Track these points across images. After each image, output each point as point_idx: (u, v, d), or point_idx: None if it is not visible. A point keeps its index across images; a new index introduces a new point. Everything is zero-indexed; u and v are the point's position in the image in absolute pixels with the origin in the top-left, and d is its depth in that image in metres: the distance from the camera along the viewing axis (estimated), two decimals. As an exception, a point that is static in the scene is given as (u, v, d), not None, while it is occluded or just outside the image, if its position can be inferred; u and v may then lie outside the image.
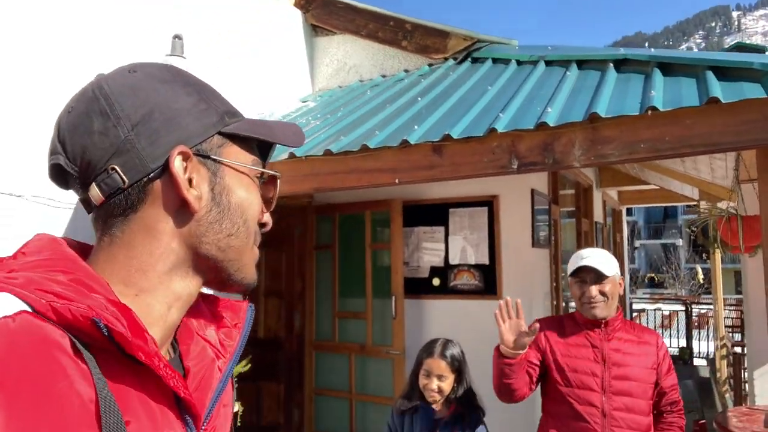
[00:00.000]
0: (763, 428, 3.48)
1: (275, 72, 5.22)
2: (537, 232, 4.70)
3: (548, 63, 3.77)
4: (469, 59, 4.69)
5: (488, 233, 4.67)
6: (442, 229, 4.85)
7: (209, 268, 0.70)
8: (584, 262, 2.41)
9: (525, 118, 2.80)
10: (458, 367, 2.49)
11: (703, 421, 3.43)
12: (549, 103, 2.90)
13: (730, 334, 9.03)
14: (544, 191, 5.09)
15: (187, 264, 0.69)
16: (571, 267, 2.48)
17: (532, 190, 4.66)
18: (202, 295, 0.80)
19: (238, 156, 0.72)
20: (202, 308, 0.78)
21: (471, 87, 3.76)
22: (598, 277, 2.39)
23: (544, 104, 2.93)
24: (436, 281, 4.83)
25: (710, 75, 2.57)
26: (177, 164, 0.66)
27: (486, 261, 4.66)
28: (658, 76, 2.82)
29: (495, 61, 4.38)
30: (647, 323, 12.84)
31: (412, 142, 2.92)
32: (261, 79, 4.97)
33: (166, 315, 0.68)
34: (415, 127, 3.11)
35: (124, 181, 0.64)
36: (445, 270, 4.82)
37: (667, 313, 15.78)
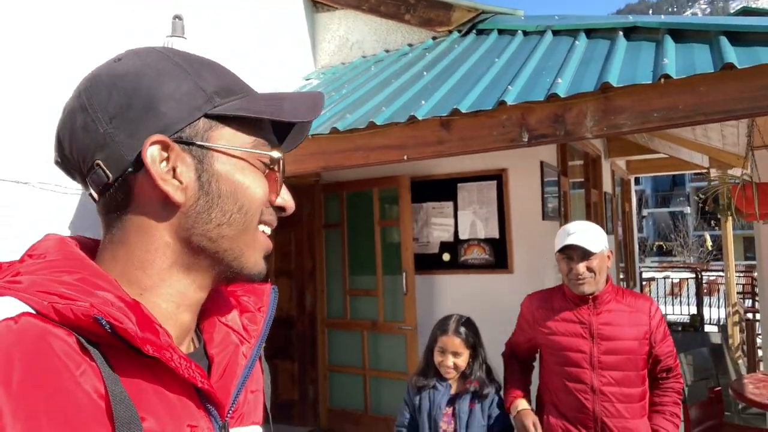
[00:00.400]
0: (778, 395, 3.48)
1: (277, 50, 5.15)
2: (547, 205, 4.67)
3: (555, 33, 3.70)
4: (474, 31, 4.62)
5: (497, 207, 4.65)
6: (450, 204, 4.83)
7: (207, 260, 0.67)
8: (570, 240, 2.34)
9: (535, 89, 2.75)
10: (473, 344, 2.49)
11: (719, 388, 3.43)
12: (559, 73, 2.85)
13: (742, 300, 9.01)
14: (553, 163, 5.04)
15: (186, 258, 0.66)
16: (558, 243, 2.42)
17: (542, 162, 4.62)
18: None
19: (232, 139, 0.67)
20: (223, 294, 0.77)
21: (477, 60, 3.70)
22: (585, 253, 2.33)
23: (553, 75, 2.88)
24: (446, 256, 4.83)
25: (724, 40, 2.51)
26: (150, 155, 0.63)
27: (496, 235, 4.65)
28: (669, 43, 2.76)
29: (501, 32, 4.30)
30: (657, 291, 12.86)
31: (419, 118, 2.89)
32: (262, 57, 4.91)
33: (175, 314, 0.67)
34: (422, 102, 3.07)
35: (108, 176, 0.64)
36: (455, 245, 4.81)
37: (676, 280, 15.79)
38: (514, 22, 4.32)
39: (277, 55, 5.12)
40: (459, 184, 4.78)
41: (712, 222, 32.19)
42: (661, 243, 34.06)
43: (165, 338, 0.59)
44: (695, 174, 31.44)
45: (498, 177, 4.64)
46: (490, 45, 4.03)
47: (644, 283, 11.98)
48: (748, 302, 9.31)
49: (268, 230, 0.71)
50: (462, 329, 2.49)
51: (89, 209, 3.38)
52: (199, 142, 0.66)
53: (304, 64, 5.55)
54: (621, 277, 9.12)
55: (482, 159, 4.51)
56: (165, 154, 0.64)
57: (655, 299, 11.03)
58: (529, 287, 4.66)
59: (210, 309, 0.74)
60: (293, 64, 5.38)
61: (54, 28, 3.34)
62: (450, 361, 2.46)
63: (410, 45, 5.07)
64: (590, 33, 3.41)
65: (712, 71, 2.28)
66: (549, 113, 2.66)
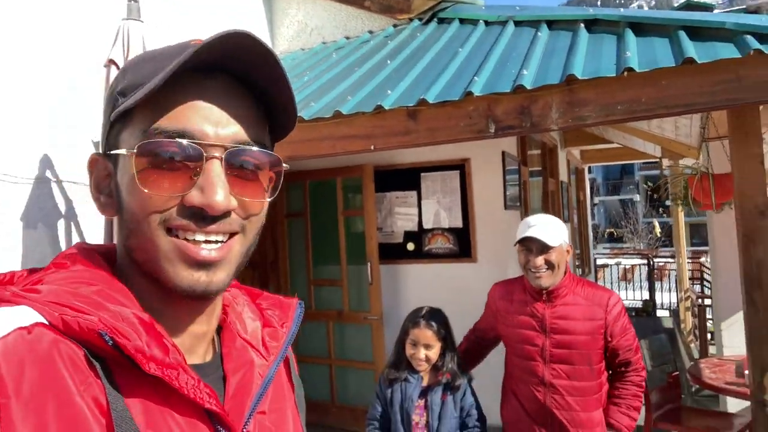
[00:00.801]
0: (735, 378, 3.64)
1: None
2: (508, 194, 4.74)
3: (517, 23, 3.72)
4: (435, 19, 4.61)
5: (461, 196, 4.69)
6: (414, 193, 4.84)
7: (144, 274, 0.62)
8: (530, 232, 2.37)
9: (500, 80, 2.77)
10: (444, 336, 2.51)
11: (676, 372, 3.57)
12: (524, 65, 2.88)
13: (693, 286, 9.38)
14: (514, 153, 5.11)
15: (139, 271, 0.63)
16: (518, 234, 2.45)
17: (503, 152, 4.67)
18: (249, 293, 0.78)
19: (129, 140, 0.61)
20: (246, 307, 0.75)
21: (441, 49, 3.70)
22: (543, 247, 2.35)
23: (518, 66, 2.90)
24: (410, 246, 4.85)
25: (683, 35, 2.57)
26: (89, 172, 0.65)
27: (460, 224, 4.69)
28: (630, 36, 2.82)
29: (462, 21, 4.31)
30: (609, 277, 13.27)
31: (386, 108, 2.87)
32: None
33: (185, 325, 0.65)
34: (389, 92, 3.05)
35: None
36: (419, 234, 4.83)
37: (628, 266, 16.34)
38: (475, 11, 4.33)
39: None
40: (422, 174, 4.80)
41: (660, 209, 33.39)
42: (612, 230, 35.12)
43: (175, 356, 0.57)
44: (644, 163, 32.51)
45: (461, 167, 4.67)
46: (452, 34, 4.04)
47: (598, 269, 12.33)
48: (697, 287, 9.70)
49: (195, 237, 0.59)
50: (433, 322, 2.51)
51: (42, 200, 3.25)
52: (109, 152, 0.63)
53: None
54: (577, 263, 9.36)
55: (445, 149, 4.53)
56: (91, 170, 0.66)
57: (609, 285, 11.40)
58: (493, 276, 4.72)
59: (231, 320, 0.72)
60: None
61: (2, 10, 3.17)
62: (422, 353, 2.47)
63: (371, 32, 5.03)
64: (552, 24, 3.45)
65: (674, 65, 2.33)
66: (515, 105, 2.68)
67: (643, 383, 2.46)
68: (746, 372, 3.40)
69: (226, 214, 0.60)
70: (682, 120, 4.31)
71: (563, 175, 8.18)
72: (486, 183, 4.65)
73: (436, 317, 2.53)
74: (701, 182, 3.46)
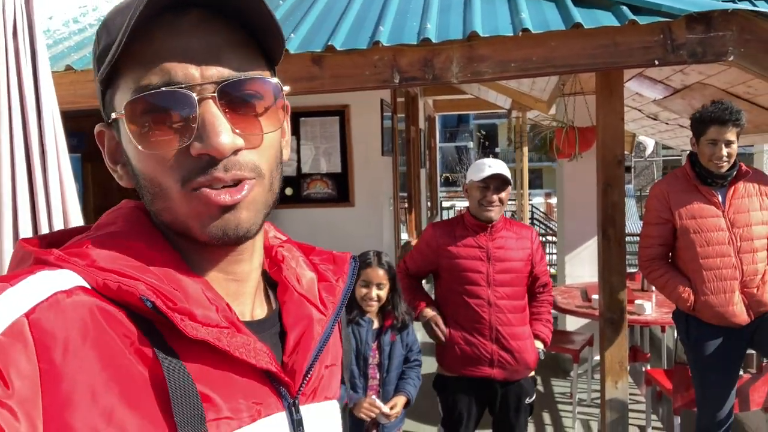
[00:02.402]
0: (582, 302, 4.26)
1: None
2: (385, 141, 4.93)
3: (407, -26, 3.81)
4: (319, -38, 4.53)
5: (340, 142, 4.78)
6: (293, 138, 4.83)
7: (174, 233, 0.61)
8: (492, 171, 2.69)
9: (404, 32, 2.88)
10: (393, 275, 2.64)
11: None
12: (424, 18, 3.00)
13: (532, 224, 10.47)
14: (388, 100, 5.28)
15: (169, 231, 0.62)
16: (476, 174, 2.74)
17: (382, 100, 4.82)
18: (301, 248, 0.77)
19: (120, 103, 0.57)
20: (301, 263, 0.73)
21: (333, -6, 3.69)
22: (503, 184, 2.70)
23: (418, 19, 3.02)
24: (288, 191, 4.86)
25: (568, 1, 2.86)
26: (100, 145, 0.64)
27: (339, 170, 4.80)
28: (519, -2, 3.06)
29: (348, -34, 4.29)
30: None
31: (291, 52, 2.85)
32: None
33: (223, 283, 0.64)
34: (291, 35, 3.02)
35: None
36: (297, 179, 4.86)
37: (461, 208, 17.67)
38: (360, -43, 4.33)
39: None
40: (302, 119, 4.80)
41: (491, 156, 36.13)
42: (448, 175, 37.42)
43: (226, 314, 0.58)
44: (478, 113, 34.80)
45: (341, 113, 4.75)
46: (341, -21, 4.02)
47: (444, 210, 13.23)
48: (537, 228, 10.83)
49: (212, 185, 0.56)
50: (384, 260, 2.63)
51: None
52: (110, 118, 0.60)
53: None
54: (428, 205, 9.97)
55: (325, 96, 4.55)
56: (101, 142, 0.65)
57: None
58: (370, 220, 4.97)
59: (287, 276, 0.70)
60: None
61: None
62: (374, 292, 2.58)
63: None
64: (442, -21, 3.60)
65: (564, 29, 2.62)
66: (419, 57, 2.81)
67: (554, 301, 2.98)
68: (593, 296, 4.01)
69: (234, 153, 0.56)
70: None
71: (421, 122, 8.58)
72: (365, 129, 4.78)
73: (385, 257, 2.66)
74: (567, 134, 3.93)
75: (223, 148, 0.55)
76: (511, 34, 2.67)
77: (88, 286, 0.54)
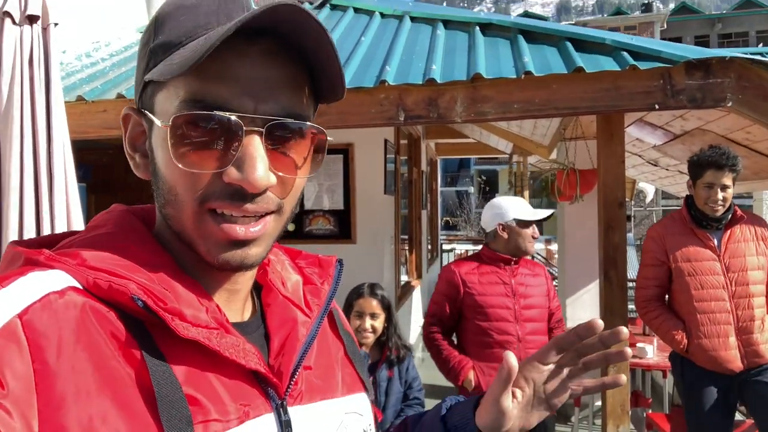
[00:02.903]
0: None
1: (109, -3, 4.67)
2: (388, 180, 4.98)
3: (413, 19, 3.94)
4: (328, 5, 4.68)
5: (343, 180, 4.83)
6: (297, 175, 4.88)
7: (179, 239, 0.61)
8: (539, 216, 2.76)
9: (411, 72, 2.95)
10: (388, 305, 2.61)
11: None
12: (430, 60, 3.09)
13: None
14: (392, 141, 5.36)
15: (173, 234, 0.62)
16: (522, 214, 2.76)
17: (385, 140, 4.89)
18: (288, 252, 0.77)
19: (164, 103, 0.58)
20: (287, 266, 0.74)
21: (341, 35, 3.80)
22: (538, 224, 2.79)
23: (424, 60, 3.10)
24: (291, 226, 4.86)
25: (569, 45, 2.95)
26: (122, 127, 0.65)
27: (341, 206, 4.83)
28: (522, 42, 3.15)
29: (357, 10, 4.43)
30: (447, 260, 14.26)
31: (299, 89, 2.91)
32: (94, 3, 4.42)
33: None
34: (300, 73, 3.09)
35: None
36: (300, 215, 4.89)
37: (460, 252, 17.65)
38: (368, 2, 4.48)
39: (109, 2, 4.64)
40: (306, 156, 4.85)
41: (491, 201, 36.28)
42: (448, 219, 37.54)
43: (216, 316, 0.58)
44: (479, 158, 35.20)
45: (345, 151, 4.81)
46: (349, 22, 4.15)
47: (444, 253, 13.21)
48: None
49: (232, 213, 0.57)
50: (377, 291, 2.61)
51: None
52: (143, 110, 0.61)
53: (137, 15, 5.10)
54: (429, 248, 9.97)
55: (330, 132, 4.62)
56: (125, 125, 0.64)
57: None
58: (371, 258, 4.96)
59: (272, 279, 0.71)
60: (126, 13, 4.92)
61: None
62: (368, 323, 2.54)
63: (258, 10, 4.95)
64: (447, 24, 3.71)
65: (565, 72, 2.69)
66: (424, 96, 2.88)
67: None
68: (594, 340, 3.97)
69: (263, 191, 0.57)
70: (542, 121, 4.85)
71: (423, 165, 8.67)
72: (368, 168, 4.84)
73: (379, 288, 2.64)
74: (568, 176, 3.97)
75: (258, 184, 0.55)
76: (514, 77, 2.74)
77: (80, 286, 0.54)
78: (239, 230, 0.57)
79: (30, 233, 2.16)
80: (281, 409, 0.61)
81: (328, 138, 0.63)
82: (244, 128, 0.55)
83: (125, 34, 4.75)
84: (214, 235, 0.57)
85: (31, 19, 2.25)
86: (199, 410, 0.53)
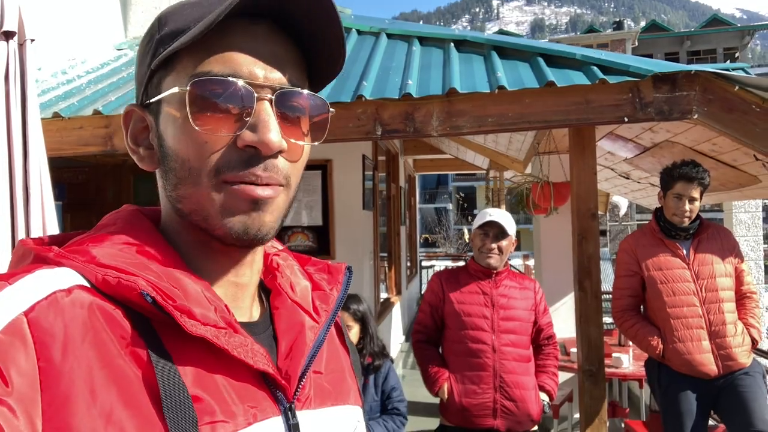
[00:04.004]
0: (561, 356, 4.25)
1: (85, 14, 4.67)
2: (366, 196, 5.01)
3: (390, 36, 4.00)
4: (305, 23, 4.73)
5: (322, 196, 4.85)
6: (276, 191, 4.89)
7: (188, 224, 0.62)
8: (491, 218, 2.77)
9: (387, 87, 3.00)
10: (362, 317, 2.63)
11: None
12: (406, 75, 3.14)
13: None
14: (370, 157, 5.40)
15: (182, 223, 0.63)
16: (478, 221, 2.84)
17: (363, 156, 4.93)
18: (298, 258, 0.78)
19: (171, 85, 0.60)
20: (296, 271, 0.74)
21: (318, 52, 3.84)
22: (501, 233, 2.77)
23: (400, 76, 3.16)
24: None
25: (541, 61, 3.03)
26: (124, 126, 0.67)
27: (320, 222, 4.84)
28: (496, 57, 3.22)
29: (333, 28, 4.48)
30: (427, 277, 14.29)
31: (277, 104, 2.94)
32: (70, 20, 4.42)
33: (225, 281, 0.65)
34: (277, 89, 3.12)
35: None
36: (278, 232, 4.88)
37: (440, 268, 17.70)
38: (345, 19, 4.54)
39: (85, 18, 4.64)
40: (284, 173, 4.86)
41: (469, 218, 36.58)
42: (427, 235, 37.68)
43: (224, 315, 0.58)
44: (457, 175, 35.50)
45: (323, 167, 4.84)
46: (326, 39, 4.19)
47: (423, 270, 13.25)
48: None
49: (250, 189, 0.58)
50: (351, 305, 2.63)
51: None
52: (148, 101, 0.63)
53: (114, 32, 5.10)
54: (408, 264, 9.99)
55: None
56: (126, 123, 0.66)
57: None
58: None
59: (281, 283, 0.71)
60: (103, 30, 4.91)
61: None
62: None
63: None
64: (423, 41, 3.78)
65: (537, 86, 2.76)
66: (401, 110, 2.93)
67: (559, 355, 2.98)
68: (572, 350, 4.03)
69: (275, 156, 0.59)
70: (516, 135, 4.94)
71: (402, 181, 8.73)
72: (347, 184, 4.87)
73: (352, 299, 2.66)
74: (543, 189, 4.04)
75: (272, 144, 0.57)
76: (488, 91, 2.80)
77: (87, 284, 0.54)
78: (256, 189, 0.58)
79: (5, 252, 2.13)
80: (289, 413, 0.61)
81: (331, 110, 0.66)
82: (256, 95, 0.58)
83: (102, 51, 4.74)
84: (232, 197, 0.58)
85: (8, 35, 2.24)
86: (205, 410, 0.54)
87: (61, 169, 4.72)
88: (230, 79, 0.58)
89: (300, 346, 0.65)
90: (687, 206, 2.91)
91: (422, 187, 43.24)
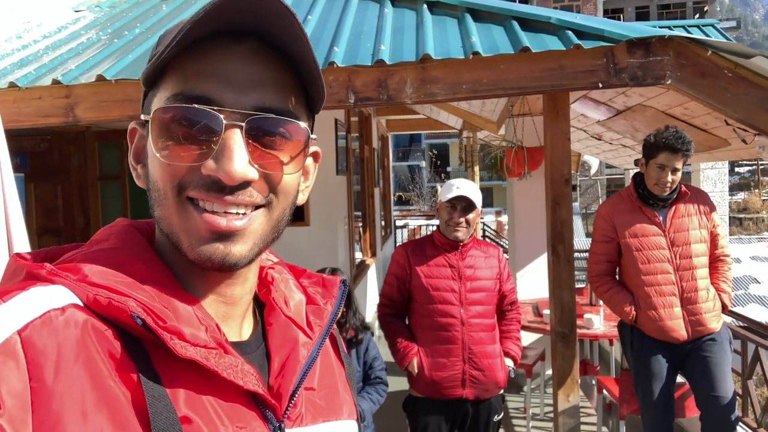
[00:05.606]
0: (534, 317, 4.34)
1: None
2: (340, 161, 4.95)
3: (360, -4, 3.88)
4: (272, -18, 4.55)
5: (294, 162, 4.77)
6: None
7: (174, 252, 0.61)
8: (458, 192, 2.71)
9: (359, 53, 2.92)
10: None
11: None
12: (378, 40, 3.06)
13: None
14: (343, 120, 5.32)
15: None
16: (445, 194, 2.77)
17: (336, 120, 4.85)
18: (292, 270, 0.76)
19: (155, 105, 0.59)
20: (291, 285, 0.73)
21: (287, 14, 3.71)
22: (468, 206, 2.72)
23: (372, 40, 3.07)
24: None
25: (515, 24, 2.97)
26: (129, 142, 0.66)
27: (293, 189, 4.78)
28: (470, 21, 3.15)
29: (301, -13, 4.33)
30: (402, 236, 14.39)
31: (246, 72, 2.85)
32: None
33: (214, 301, 0.64)
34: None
35: None
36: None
37: (414, 227, 17.84)
38: (314, -21, 4.37)
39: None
40: (255, 138, 4.77)
41: (443, 175, 36.69)
42: (401, 193, 37.75)
43: (215, 335, 0.57)
44: (430, 133, 35.41)
45: (295, 132, 4.75)
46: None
47: (397, 229, 13.31)
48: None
49: (214, 207, 0.56)
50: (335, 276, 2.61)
51: None
52: (142, 118, 0.62)
53: (70, -7, 4.85)
54: (383, 224, 10.01)
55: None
56: (130, 139, 0.66)
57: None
58: (325, 239, 4.96)
59: (275, 298, 0.70)
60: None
61: None
62: None
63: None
64: (395, 1, 3.68)
65: (512, 52, 2.71)
66: (374, 77, 2.86)
67: (521, 319, 3.04)
68: (545, 311, 4.10)
69: (245, 185, 0.56)
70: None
71: (375, 142, 8.66)
72: (319, 149, 4.79)
73: (334, 273, 2.64)
74: (516, 154, 4.04)
75: (234, 176, 0.55)
76: (463, 57, 2.75)
77: (81, 303, 0.53)
78: (221, 221, 0.56)
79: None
80: (278, 431, 0.61)
81: (312, 135, 0.63)
82: (224, 122, 0.55)
83: (59, 13, 4.51)
84: (196, 226, 0.56)
85: (-46, 4, 2.11)
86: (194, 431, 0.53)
87: (21, 137, 4.54)
88: (194, 106, 0.55)
89: (292, 363, 0.65)
90: (669, 177, 2.88)
91: (395, 145, 43.03)
